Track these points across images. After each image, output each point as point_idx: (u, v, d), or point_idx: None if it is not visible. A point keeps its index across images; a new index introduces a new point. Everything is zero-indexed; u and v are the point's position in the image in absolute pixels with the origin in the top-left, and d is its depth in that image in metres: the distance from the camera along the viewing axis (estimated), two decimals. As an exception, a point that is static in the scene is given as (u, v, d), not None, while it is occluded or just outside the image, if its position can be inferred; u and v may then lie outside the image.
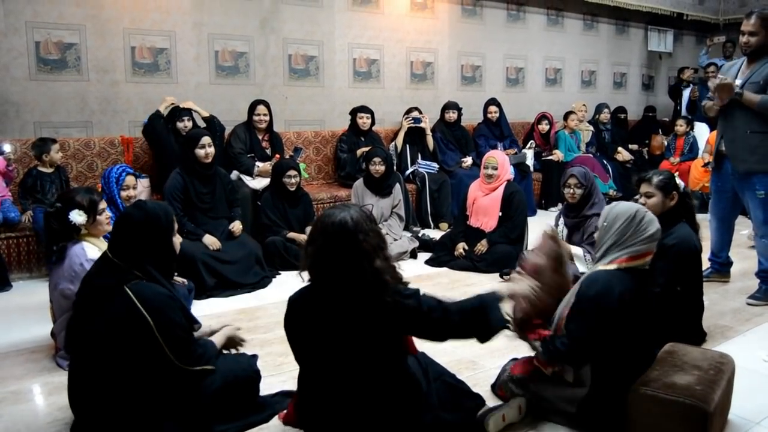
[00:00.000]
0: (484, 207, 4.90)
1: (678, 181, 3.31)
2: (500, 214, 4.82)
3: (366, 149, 6.06)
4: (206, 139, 4.41)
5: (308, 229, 4.79)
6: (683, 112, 8.80)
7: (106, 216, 3.05)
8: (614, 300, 2.31)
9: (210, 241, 4.32)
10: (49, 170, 4.63)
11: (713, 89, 3.87)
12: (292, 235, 4.88)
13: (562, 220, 4.16)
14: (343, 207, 2.14)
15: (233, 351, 2.67)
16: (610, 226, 2.44)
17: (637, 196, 3.36)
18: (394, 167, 6.02)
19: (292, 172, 4.93)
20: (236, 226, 4.53)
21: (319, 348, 2.16)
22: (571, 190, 3.99)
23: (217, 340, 2.57)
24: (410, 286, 2.20)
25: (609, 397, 2.39)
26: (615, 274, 2.37)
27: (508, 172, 4.96)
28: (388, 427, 2.16)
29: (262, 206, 5.00)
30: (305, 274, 2.17)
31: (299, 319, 2.19)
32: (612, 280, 2.35)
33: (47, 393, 2.81)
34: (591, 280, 2.41)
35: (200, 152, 4.37)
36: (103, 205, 3.05)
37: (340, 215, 2.07)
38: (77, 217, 2.92)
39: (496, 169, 4.87)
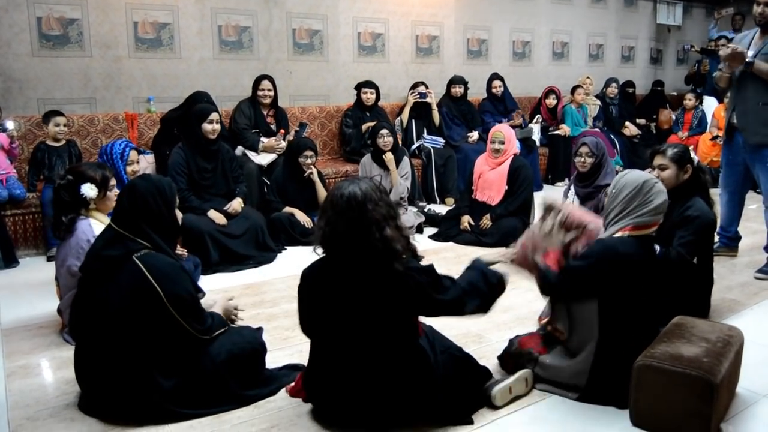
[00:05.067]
0: (490, 181, 4.87)
1: (693, 155, 3.27)
2: (506, 188, 4.79)
3: (371, 124, 6.03)
4: (215, 115, 4.36)
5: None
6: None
7: (115, 193, 3.05)
8: (618, 255, 2.37)
9: (215, 215, 4.30)
10: (56, 144, 4.59)
11: (724, 58, 3.83)
12: (290, 209, 4.86)
13: (572, 192, 4.15)
14: (352, 181, 2.18)
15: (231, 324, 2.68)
16: (617, 194, 2.49)
17: (649, 169, 3.33)
18: (399, 142, 5.98)
19: (309, 153, 4.81)
20: (234, 204, 4.42)
21: (331, 321, 2.18)
22: (582, 159, 4.03)
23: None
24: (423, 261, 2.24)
25: (614, 370, 2.39)
26: (621, 239, 2.43)
27: (515, 147, 4.92)
28: (396, 400, 2.18)
29: (270, 184, 4.98)
30: (318, 249, 2.20)
31: (313, 291, 2.23)
32: (618, 244, 2.42)
33: (55, 367, 2.82)
34: (599, 240, 2.49)
35: (207, 127, 4.31)
36: (113, 181, 3.08)
37: (349, 188, 2.12)
38: (89, 191, 2.92)
39: (503, 143, 4.83)
